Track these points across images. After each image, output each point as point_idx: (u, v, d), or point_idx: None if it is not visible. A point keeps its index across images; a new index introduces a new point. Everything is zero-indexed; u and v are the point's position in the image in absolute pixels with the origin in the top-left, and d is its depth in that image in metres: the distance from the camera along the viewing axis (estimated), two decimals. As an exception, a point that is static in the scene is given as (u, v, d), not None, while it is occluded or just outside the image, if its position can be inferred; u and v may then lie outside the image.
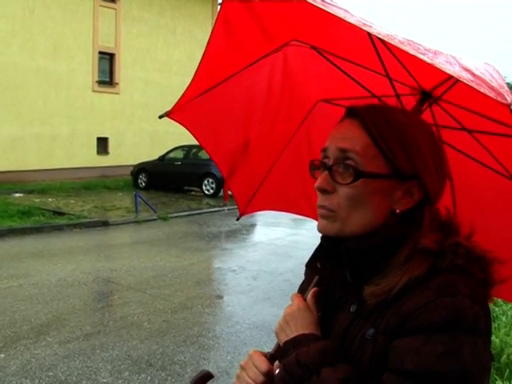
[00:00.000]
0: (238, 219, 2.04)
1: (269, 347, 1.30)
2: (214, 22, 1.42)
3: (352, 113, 1.22)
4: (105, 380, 4.96)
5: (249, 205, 1.87)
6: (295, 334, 1.22)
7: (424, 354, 1.01)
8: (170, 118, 1.58)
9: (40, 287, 7.75)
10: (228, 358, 5.51)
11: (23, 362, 5.26)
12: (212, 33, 1.39)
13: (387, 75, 1.43)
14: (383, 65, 1.40)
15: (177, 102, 1.54)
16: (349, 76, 1.53)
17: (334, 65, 1.52)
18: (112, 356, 5.46)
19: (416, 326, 1.04)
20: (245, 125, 1.70)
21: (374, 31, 1.02)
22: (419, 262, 1.10)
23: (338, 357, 1.14)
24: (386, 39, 1.00)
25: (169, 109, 1.57)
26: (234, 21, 1.38)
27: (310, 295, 1.32)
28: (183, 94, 1.51)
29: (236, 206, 1.92)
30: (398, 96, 1.46)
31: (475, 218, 1.30)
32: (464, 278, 1.08)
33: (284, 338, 1.25)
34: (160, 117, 1.59)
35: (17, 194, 16.94)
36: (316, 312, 1.29)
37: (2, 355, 5.41)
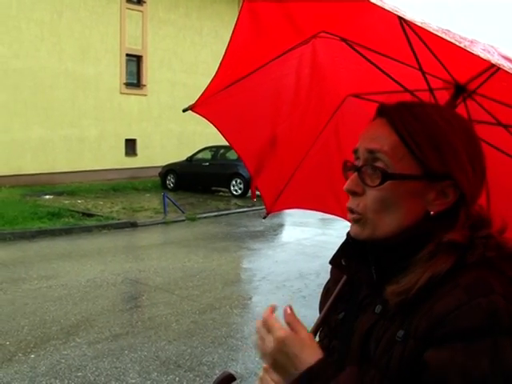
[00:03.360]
0: (264, 217, 1.99)
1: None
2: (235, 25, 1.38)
3: (381, 111, 1.16)
4: (133, 381, 4.96)
5: (276, 203, 1.82)
6: (303, 369, 1.08)
7: (469, 368, 0.94)
8: (194, 111, 1.54)
9: (69, 288, 7.80)
10: (256, 359, 5.45)
11: (53, 363, 5.29)
12: (236, 24, 1.34)
13: (420, 68, 1.37)
14: (416, 57, 1.34)
15: (201, 96, 1.50)
16: (380, 69, 1.47)
17: (365, 57, 1.46)
18: (140, 357, 5.46)
19: (452, 332, 0.97)
20: (272, 120, 1.65)
21: (408, 17, 0.97)
22: (444, 257, 1.04)
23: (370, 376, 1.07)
24: (420, 25, 0.95)
25: (193, 102, 1.53)
26: (260, 11, 1.33)
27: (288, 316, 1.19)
28: (207, 87, 1.47)
29: (264, 207, 1.86)
30: (431, 90, 1.40)
31: (510, 217, 1.23)
32: (495, 274, 1.02)
33: (290, 377, 1.10)
34: (184, 110, 1.54)
35: (46, 196, 17.13)
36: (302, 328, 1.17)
37: (33, 355, 5.45)
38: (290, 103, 1.63)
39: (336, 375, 1.07)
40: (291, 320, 1.17)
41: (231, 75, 1.48)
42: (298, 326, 1.16)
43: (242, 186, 18.27)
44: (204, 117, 1.56)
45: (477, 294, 0.98)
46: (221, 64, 1.40)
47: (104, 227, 12.87)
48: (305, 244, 11.43)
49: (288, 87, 1.61)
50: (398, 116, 1.12)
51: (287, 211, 12.70)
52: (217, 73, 1.43)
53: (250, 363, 5.37)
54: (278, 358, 1.12)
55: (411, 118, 1.11)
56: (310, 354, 1.10)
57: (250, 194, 17.90)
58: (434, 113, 1.13)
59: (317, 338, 1.29)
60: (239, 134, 1.67)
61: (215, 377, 4.64)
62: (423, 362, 1.00)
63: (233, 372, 1.40)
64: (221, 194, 19.28)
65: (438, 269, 1.03)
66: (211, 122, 1.60)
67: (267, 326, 1.19)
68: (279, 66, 1.52)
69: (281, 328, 1.15)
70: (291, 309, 1.19)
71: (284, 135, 1.66)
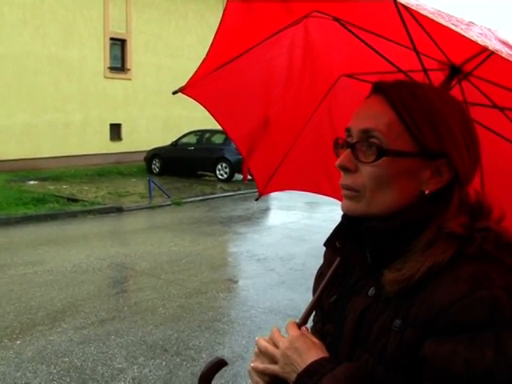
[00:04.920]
0: (257, 199, 1.97)
1: (283, 332, 1.22)
2: (223, 5, 1.35)
3: (378, 88, 1.15)
4: (120, 365, 4.95)
5: (268, 185, 1.80)
6: (307, 364, 1.11)
7: (473, 360, 0.95)
8: (183, 93, 1.51)
9: (55, 274, 7.76)
10: (243, 342, 5.48)
11: (39, 348, 5.26)
12: (226, 5, 1.31)
13: (414, 49, 1.35)
14: (410, 38, 1.32)
15: (191, 77, 1.46)
16: (373, 49, 1.45)
17: (358, 37, 1.44)
18: (127, 341, 5.45)
19: (454, 324, 0.97)
20: (264, 101, 1.62)
21: (402, 0, 0.94)
22: (443, 246, 1.04)
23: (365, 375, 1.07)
24: (414, 9, 0.93)
25: (183, 84, 1.50)
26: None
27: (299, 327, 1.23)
28: (197, 69, 1.44)
29: (250, 190, 1.84)
30: (425, 71, 1.38)
31: (505, 201, 1.22)
32: (495, 265, 1.02)
33: (294, 373, 1.12)
34: (174, 92, 1.51)
35: (31, 182, 16.99)
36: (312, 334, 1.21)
37: (18, 341, 5.42)
38: (282, 84, 1.61)
39: (334, 368, 1.08)
40: (304, 329, 1.22)
41: (222, 57, 1.45)
42: (308, 333, 1.20)
43: (227, 170, 18.24)
44: (194, 99, 1.54)
45: (479, 286, 0.98)
46: (211, 45, 1.37)
47: (89, 212, 12.80)
48: (291, 228, 11.45)
49: (280, 68, 1.58)
50: (396, 93, 1.11)
51: (273, 195, 12.73)
52: (207, 54, 1.40)
53: (236, 347, 5.39)
54: (289, 354, 1.14)
55: (409, 96, 1.10)
56: (317, 353, 1.12)
57: (235, 178, 17.89)
58: (431, 93, 1.13)
59: (310, 322, 1.29)
60: (231, 116, 1.65)
61: (202, 361, 4.67)
62: (424, 353, 1.00)
63: (223, 357, 1.39)
64: (206, 178, 19.24)
65: (438, 258, 1.03)
66: (202, 104, 1.57)
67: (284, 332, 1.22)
68: (271, 46, 1.49)
69: (296, 330, 1.19)
70: (307, 328, 1.23)
71: (276, 116, 1.64)
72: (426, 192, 1.12)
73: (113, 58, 22.55)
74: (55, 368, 4.88)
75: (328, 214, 11.74)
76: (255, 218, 12.84)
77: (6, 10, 18.60)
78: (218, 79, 1.48)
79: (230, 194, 16.09)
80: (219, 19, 1.33)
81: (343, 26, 1.43)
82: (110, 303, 6.62)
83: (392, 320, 1.06)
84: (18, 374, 4.75)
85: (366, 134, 1.10)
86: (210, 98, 1.57)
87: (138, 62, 23.05)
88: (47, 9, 19.74)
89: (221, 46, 1.40)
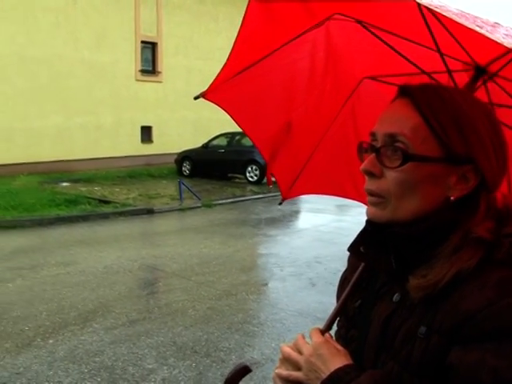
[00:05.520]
0: (280, 204, 1.97)
1: (308, 337, 1.22)
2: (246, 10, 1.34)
3: (403, 92, 1.13)
4: (150, 366, 4.99)
5: (291, 189, 1.79)
6: (331, 371, 1.10)
7: (501, 369, 0.93)
8: (205, 98, 1.51)
9: (87, 274, 7.87)
10: (272, 344, 5.47)
11: (70, 348, 5.34)
12: (247, 8, 1.31)
13: (438, 50, 1.33)
14: (434, 38, 1.30)
15: (212, 82, 1.47)
16: (396, 51, 1.44)
17: (380, 39, 1.43)
18: (157, 342, 5.49)
19: (481, 331, 0.95)
20: (286, 105, 1.62)
21: (424, 2, 0.93)
22: (470, 252, 1.02)
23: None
24: (438, 11, 0.92)
25: (204, 90, 1.50)
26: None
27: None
28: (218, 74, 1.44)
29: (280, 193, 1.84)
30: (449, 72, 1.36)
31: None
32: None
33: (318, 381, 1.12)
34: (195, 98, 1.52)
35: (64, 183, 17.24)
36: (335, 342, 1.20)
37: (51, 341, 5.51)
38: (304, 88, 1.60)
39: (358, 375, 1.07)
40: (328, 336, 1.21)
41: (243, 61, 1.45)
42: (332, 339, 1.20)
43: (257, 172, 18.25)
44: (216, 104, 1.54)
45: (506, 293, 0.96)
46: (232, 50, 1.38)
47: (121, 214, 12.94)
48: (321, 230, 11.40)
49: (302, 71, 1.58)
50: (423, 96, 1.09)
51: (303, 197, 12.68)
52: (228, 59, 1.40)
53: (266, 349, 5.38)
54: (313, 361, 1.14)
55: (435, 99, 1.08)
56: (341, 360, 1.12)
57: (265, 180, 17.89)
58: (457, 95, 1.10)
59: (335, 327, 1.28)
60: (253, 121, 1.65)
61: (231, 363, 4.68)
62: (450, 361, 0.98)
63: (248, 364, 1.39)
64: (236, 180, 19.28)
65: (464, 265, 1.01)
66: (224, 109, 1.57)
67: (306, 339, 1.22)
68: (292, 50, 1.49)
69: (320, 336, 1.18)
70: (331, 335, 1.23)
71: (299, 120, 1.63)
72: (452, 198, 1.09)
73: (144, 60, 22.80)
74: (86, 367, 4.94)
75: (358, 216, 11.62)
76: (285, 221, 12.83)
77: (39, 15, 18.95)
78: (239, 84, 1.48)
79: (260, 196, 16.09)
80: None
81: (365, 27, 1.42)
82: (141, 304, 6.68)
83: (417, 327, 1.04)
84: (51, 373, 4.83)
85: (391, 138, 1.08)
86: (231, 103, 1.57)
87: (169, 65, 23.24)
88: (80, 13, 20.06)
89: (241, 51, 1.40)
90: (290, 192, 1.80)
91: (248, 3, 1.31)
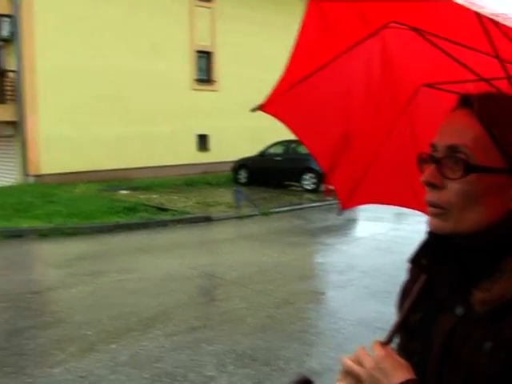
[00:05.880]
0: (339, 214, 1.97)
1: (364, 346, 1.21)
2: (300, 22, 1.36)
3: (464, 101, 1.11)
4: (210, 373, 5.04)
5: (350, 199, 1.78)
6: None
7: None
8: (263, 111, 1.53)
9: (147, 281, 8.02)
10: (331, 354, 5.43)
11: (132, 353, 5.45)
12: (304, 20, 1.33)
13: (496, 55, 1.31)
14: (492, 44, 1.28)
15: (269, 95, 1.48)
16: (453, 58, 1.42)
17: (437, 46, 1.41)
18: (217, 350, 5.54)
19: None
20: (344, 115, 1.62)
21: (486, 11, 0.91)
22: None
23: None
24: (499, 20, 0.90)
25: (262, 102, 1.52)
26: (327, 5, 1.31)
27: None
28: (276, 86, 1.46)
29: (337, 201, 1.84)
30: (509, 78, 1.33)
31: None
32: None
33: None
34: (252, 110, 1.53)
35: (122, 191, 17.65)
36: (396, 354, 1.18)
37: (113, 346, 5.64)
38: (361, 97, 1.60)
39: None
40: (390, 348, 1.19)
41: (299, 72, 1.46)
42: (394, 353, 1.17)
43: (314, 180, 18.19)
44: (274, 116, 1.55)
45: None
46: (288, 61, 1.39)
47: (179, 221, 13.13)
48: (379, 239, 11.26)
49: (359, 81, 1.57)
50: (483, 106, 1.06)
51: (360, 206, 12.56)
52: (285, 70, 1.41)
53: (325, 359, 5.35)
54: (375, 375, 1.11)
55: (497, 108, 1.06)
56: (403, 374, 1.09)
57: (322, 188, 17.80)
58: None
59: (395, 340, 1.27)
60: (310, 132, 1.65)
61: (291, 371, 4.66)
62: None
63: (309, 376, 1.38)
64: (293, 188, 19.27)
65: None
66: (281, 121, 1.58)
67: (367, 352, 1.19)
68: (349, 59, 1.49)
69: (382, 349, 1.15)
70: (392, 347, 1.20)
71: (357, 130, 1.63)
72: None
73: (199, 70, 23.17)
74: (147, 373, 5.03)
75: (416, 225, 11.41)
76: (343, 229, 12.74)
77: (100, 27, 19.59)
78: (296, 95, 1.49)
79: (317, 204, 16.03)
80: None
81: (421, 35, 1.41)
82: (200, 311, 6.76)
83: (482, 342, 1.02)
84: (113, 377, 4.94)
85: (452, 149, 1.06)
86: (289, 115, 1.58)
87: (224, 74, 23.52)
88: (138, 24, 20.64)
89: (298, 62, 1.41)
90: (348, 202, 1.80)
91: (303, 15, 1.32)
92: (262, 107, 1.53)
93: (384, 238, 11.39)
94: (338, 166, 1.68)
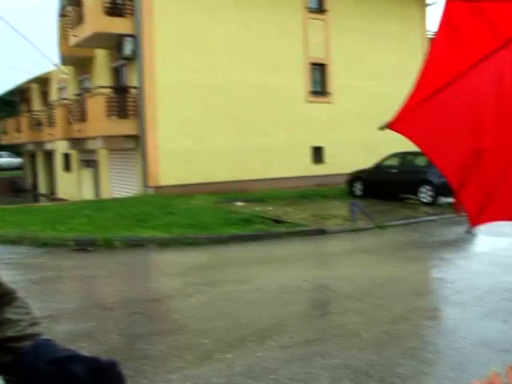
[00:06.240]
0: (468, 232, 1.91)
1: (497, 367, 1.16)
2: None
3: None
4: (325, 388, 5.00)
5: (481, 215, 1.73)
6: None
7: None
8: (390, 129, 1.52)
9: (262, 292, 8.11)
10: (451, 375, 5.22)
11: (248, 363, 5.51)
12: (436, 36, 1.31)
13: None
14: None
15: (398, 112, 1.48)
16: None
17: None
18: (331, 364, 5.49)
19: None
20: (473, 131, 1.58)
21: None
22: None
23: None
24: None
25: (388, 120, 1.51)
26: (458, 19, 1.29)
27: None
28: (405, 103, 1.45)
29: (455, 214, 1.79)
30: None
31: None
32: None
33: None
34: (380, 129, 1.53)
35: (238, 203, 17.92)
36: None
37: (229, 355, 5.72)
38: (492, 112, 1.55)
39: None
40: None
41: (429, 88, 1.44)
42: None
43: (431, 193, 17.65)
44: (403, 134, 1.54)
45: None
46: (419, 77, 1.38)
47: (294, 234, 13.15)
48: (502, 255, 10.70)
49: (490, 95, 1.53)
50: None
51: (491, 222, 12.00)
52: (414, 87, 1.40)
53: (443, 379, 5.16)
54: None
55: None
56: None
57: (439, 201, 17.22)
58: None
59: None
60: (440, 150, 1.62)
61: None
62: None
63: None
64: (409, 201, 18.79)
65: None
66: (411, 140, 1.57)
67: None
68: (479, 73, 1.45)
69: None
70: None
71: (487, 146, 1.58)
72: None
73: (313, 82, 23.24)
74: (263, 384, 5.08)
75: (544, 239, 10.84)
76: (462, 244, 12.24)
77: (215, 43, 20.25)
78: (423, 112, 1.48)
79: (435, 217, 15.51)
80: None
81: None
82: (315, 324, 6.74)
83: None
84: (229, 387, 5.03)
85: None
86: (416, 132, 1.56)
87: (339, 86, 23.42)
88: (253, 39, 21.11)
89: (428, 78, 1.39)
90: (479, 218, 1.75)
91: (437, 30, 1.31)
92: (389, 125, 1.52)
93: (506, 253, 10.79)
94: (468, 183, 1.64)
